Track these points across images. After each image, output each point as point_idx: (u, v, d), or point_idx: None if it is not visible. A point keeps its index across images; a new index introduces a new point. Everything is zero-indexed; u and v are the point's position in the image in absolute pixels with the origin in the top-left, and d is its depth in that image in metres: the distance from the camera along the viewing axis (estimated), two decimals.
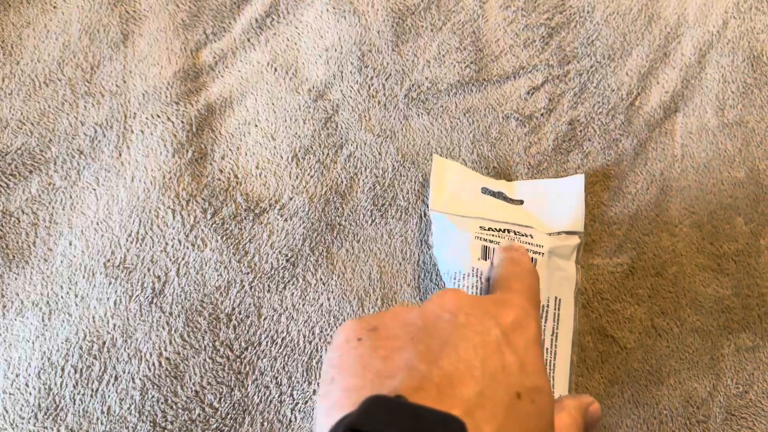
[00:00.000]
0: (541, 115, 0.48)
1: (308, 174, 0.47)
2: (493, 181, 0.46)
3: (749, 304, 0.44)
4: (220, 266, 0.44)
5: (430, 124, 0.48)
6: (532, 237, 0.41)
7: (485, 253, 0.40)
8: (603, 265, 0.44)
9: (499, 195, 0.45)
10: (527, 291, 0.29)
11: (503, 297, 0.27)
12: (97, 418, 0.41)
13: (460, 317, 0.24)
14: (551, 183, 0.45)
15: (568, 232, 0.42)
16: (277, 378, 0.42)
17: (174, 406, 0.41)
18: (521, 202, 0.44)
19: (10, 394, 0.41)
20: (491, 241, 0.40)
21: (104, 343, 0.42)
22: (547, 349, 0.37)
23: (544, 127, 0.48)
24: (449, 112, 0.48)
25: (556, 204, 0.44)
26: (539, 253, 0.40)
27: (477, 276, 0.39)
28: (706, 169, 0.47)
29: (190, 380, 0.41)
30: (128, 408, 0.41)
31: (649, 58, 0.50)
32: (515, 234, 0.41)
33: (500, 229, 0.41)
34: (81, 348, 0.42)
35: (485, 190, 0.45)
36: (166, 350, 0.42)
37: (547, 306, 0.38)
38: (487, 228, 0.42)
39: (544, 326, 0.38)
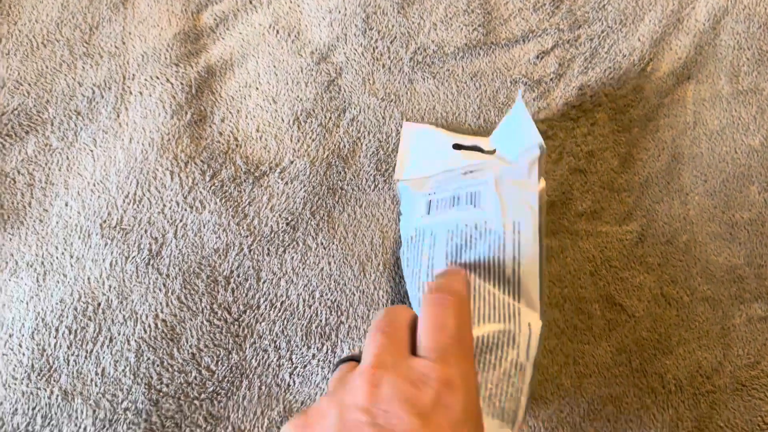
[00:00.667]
0: (551, 80, 0.47)
1: (310, 137, 0.46)
2: (468, 136, 0.44)
3: (762, 273, 0.42)
4: (218, 229, 0.43)
5: (436, 88, 0.47)
6: (481, 172, 0.39)
7: (428, 208, 0.39)
8: (612, 233, 0.43)
9: (474, 149, 0.43)
10: (450, 348, 0.28)
11: (421, 369, 0.26)
12: (91, 380, 0.40)
13: (379, 419, 0.24)
14: (504, 120, 0.43)
15: (527, 150, 0.39)
16: (275, 341, 0.41)
17: (170, 369, 0.40)
18: (494, 151, 0.43)
19: (2, 354, 0.40)
20: (436, 192, 0.39)
21: (99, 304, 0.41)
22: (508, 279, 0.35)
23: (553, 92, 0.46)
24: (456, 76, 0.47)
25: (513, 134, 0.41)
26: (485, 183, 0.38)
27: (420, 234, 0.38)
28: (719, 136, 0.46)
29: (187, 342, 0.40)
30: (123, 370, 0.40)
31: (662, 24, 0.48)
32: (462, 174, 0.40)
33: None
34: (76, 309, 0.41)
35: (458, 146, 0.44)
36: (162, 312, 0.41)
37: (504, 233, 0.36)
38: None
39: (503, 256, 0.35)
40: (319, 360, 0.40)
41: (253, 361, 0.40)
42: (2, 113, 0.46)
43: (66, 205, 0.44)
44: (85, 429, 0.39)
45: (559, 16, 0.48)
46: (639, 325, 0.41)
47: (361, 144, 0.45)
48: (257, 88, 0.47)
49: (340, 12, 0.49)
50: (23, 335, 0.41)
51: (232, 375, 0.40)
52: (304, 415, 0.26)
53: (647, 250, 0.43)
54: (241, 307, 0.41)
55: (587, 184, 0.44)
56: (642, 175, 0.45)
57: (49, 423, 0.39)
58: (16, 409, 0.39)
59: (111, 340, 0.40)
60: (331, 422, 0.24)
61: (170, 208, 0.43)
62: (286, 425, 0.26)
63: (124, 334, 0.40)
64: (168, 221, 0.43)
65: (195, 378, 0.40)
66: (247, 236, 0.43)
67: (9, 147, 0.45)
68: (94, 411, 0.39)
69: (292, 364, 0.40)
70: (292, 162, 0.45)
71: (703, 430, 0.40)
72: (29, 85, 0.47)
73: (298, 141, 0.45)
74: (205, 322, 0.41)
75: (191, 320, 0.41)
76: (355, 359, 0.31)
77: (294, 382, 0.40)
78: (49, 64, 0.48)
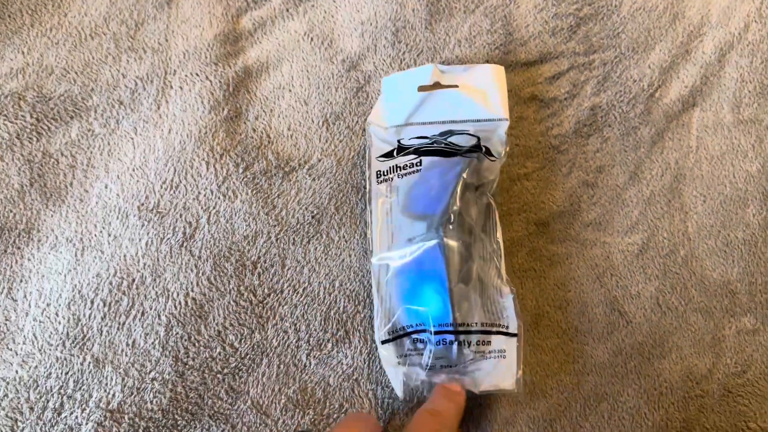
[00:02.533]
0: (564, 99, 0.50)
1: (337, 138, 0.49)
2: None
3: (754, 290, 0.46)
4: (248, 217, 0.46)
5: None
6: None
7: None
8: (616, 243, 0.46)
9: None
10: None
11: None
12: (122, 350, 0.42)
13: None
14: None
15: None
16: (295, 324, 0.43)
17: (196, 344, 0.43)
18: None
19: (40, 321, 0.43)
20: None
21: (134, 280, 0.44)
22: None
23: (566, 111, 0.50)
24: None
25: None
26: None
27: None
28: (719, 161, 0.49)
29: (214, 320, 0.43)
30: (152, 342, 0.43)
31: (671, 54, 0.52)
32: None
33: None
34: (111, 283, 0.44)
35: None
36: (192, 291, 0.44)
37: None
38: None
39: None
40: (334, 344, 0.43)
41: (274, 341, 0.43)
42: (49, 98, 0.49)
43: (106, 187, 0.47)
44: (114, 395, 0.41)
45: (576, 41, 0.52)
46: (637, 330, 0.44)
47: None
48: (290, 90, 0.50)
49: (371, 24, 0.52)
50: (60, 305, 0.43)
51: (253, 353, 0.43)
52: None
53: (648, 261, 0.46)
54: (265, 290, 0.44)
55: (595, 197, 0.47)
56: (646, 192, 0.48)
57: (80, 387, 0.42)
58: (50, 373, 0.42)
59: (143, 314, 0.43)
60: None
61: (205, 196, 0.46)
62: None
63: (155, 309, 0.43)
64: (202, 207, 0.46)
65: (219, 354, 0.43)
66: (274, 226, 0.46)
67: (54, 130, 0.48)
68: (123, 379, 0.42)
69: (310, 346, 0.43)
70: (320, 160, 0.48)
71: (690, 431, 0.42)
72: (76, 73, 0.50)
73: (327, 141, 0.49)
74: (231, 302, 0.44)
75: (219, 300, 0.44)
76: None
77: (310, 363, 0.43)
78: (95, 56, 0.51)
